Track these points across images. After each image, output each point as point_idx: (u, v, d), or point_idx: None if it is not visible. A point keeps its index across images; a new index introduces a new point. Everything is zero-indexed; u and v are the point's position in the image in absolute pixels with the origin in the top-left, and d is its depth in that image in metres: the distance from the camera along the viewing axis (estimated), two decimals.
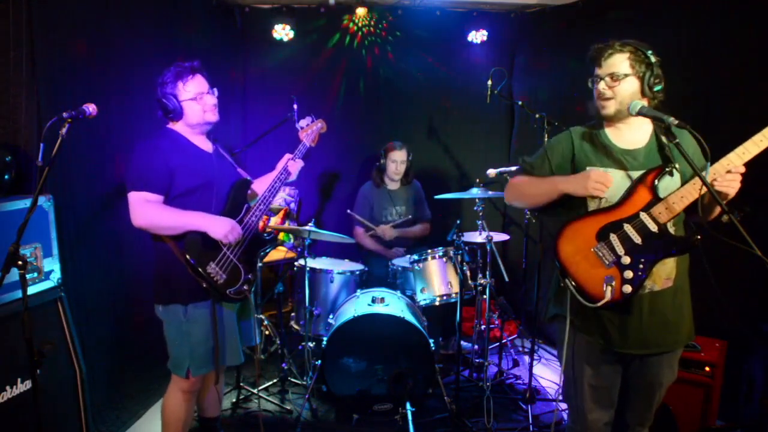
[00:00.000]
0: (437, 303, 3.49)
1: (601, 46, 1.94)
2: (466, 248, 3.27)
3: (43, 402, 1.88)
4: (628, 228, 1.89)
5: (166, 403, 2.50)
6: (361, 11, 4.32)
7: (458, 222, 3.24)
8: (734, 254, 1.72)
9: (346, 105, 4.75)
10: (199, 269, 2.25)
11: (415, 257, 3.55)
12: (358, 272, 3.64)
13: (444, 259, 3.50)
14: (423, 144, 4.71)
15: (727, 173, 1.77)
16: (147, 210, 2.24)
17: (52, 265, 2.48)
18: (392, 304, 3.26)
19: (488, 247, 3.39)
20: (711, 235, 1.80)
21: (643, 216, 1.87)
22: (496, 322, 4.02)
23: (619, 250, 1.88)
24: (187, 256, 2.25)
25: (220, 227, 2.30)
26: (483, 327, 3.62)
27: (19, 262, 1.70)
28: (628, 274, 1.86)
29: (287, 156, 2.65)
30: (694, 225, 1.97)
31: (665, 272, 1.93)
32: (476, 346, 3.76)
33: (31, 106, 2.51)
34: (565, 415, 3.18)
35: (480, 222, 3.53)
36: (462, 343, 3.32)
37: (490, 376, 3.62)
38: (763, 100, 2.88)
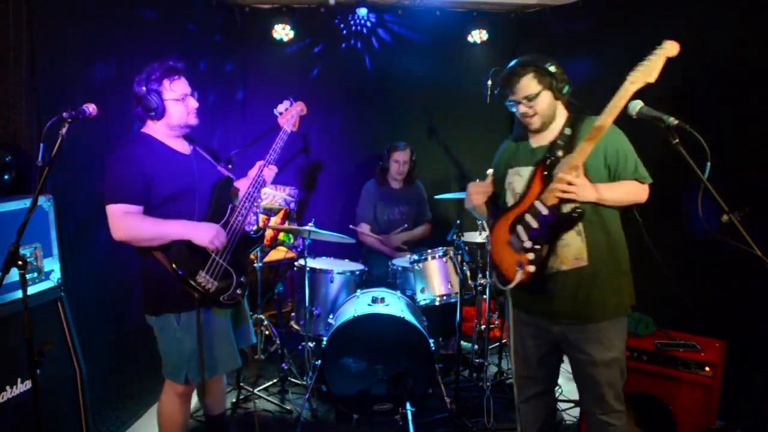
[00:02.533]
0: (437, 303, 3.49)
1: (507, 75, 2.12)
2: (466, 248, 3.27)
3: (43, 402, 1.88)
4: (528, 217, 2.08)
5: (162, 408, 2.45)
6: (361, 11, 4.32)
7: (458, 222, 3.23)
8: (734, 254, 1.72)
9: (346, 105, 4.75)
10: (189, 280, 2.17)
11: (415, 257, 3.55)
12: (358, 272, 3.64)
13: (444, 259, 3.50)
14: (423, 144, 4.70)
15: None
16: (126, 222, 2.16)
17: (52, 265, 2.48)
18: (392, 304, 3.26)
19: (488, 247, 3.39)
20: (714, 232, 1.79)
21: (537, 203, 2.05)
22: (496, 322, 4.02)
23: (524, 237, 2.08)
24: (175, 267, 2.17)
25: (204, 233, 2.23)
26: (483, 327, 3.62)
27: (19, 262, 1.71)
28: (531, 255, 2.06)
29: (259, 163, 2.55)
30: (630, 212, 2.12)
31: (572, 253, 2.07)
32: (476, 346, 3.76)
33: (31, 106, 2.52)
34: (565, 415, 3.20)
35: (480, 222, 3.52)
36: (462, 343, 3.31)
37: (490, 376, 3.62)
38: (764, 100, 2.89)
